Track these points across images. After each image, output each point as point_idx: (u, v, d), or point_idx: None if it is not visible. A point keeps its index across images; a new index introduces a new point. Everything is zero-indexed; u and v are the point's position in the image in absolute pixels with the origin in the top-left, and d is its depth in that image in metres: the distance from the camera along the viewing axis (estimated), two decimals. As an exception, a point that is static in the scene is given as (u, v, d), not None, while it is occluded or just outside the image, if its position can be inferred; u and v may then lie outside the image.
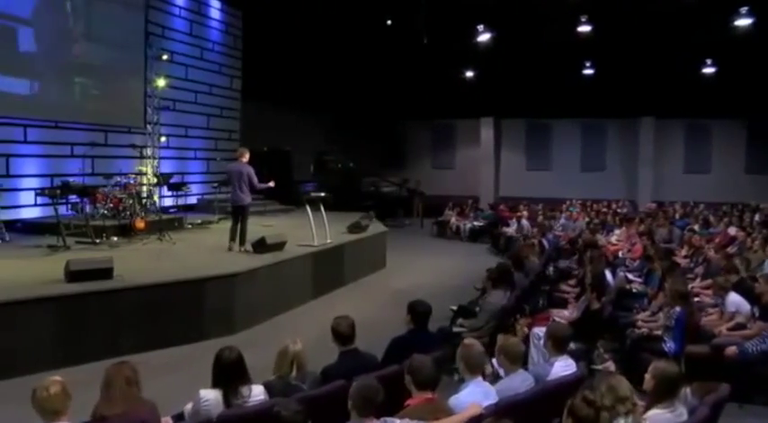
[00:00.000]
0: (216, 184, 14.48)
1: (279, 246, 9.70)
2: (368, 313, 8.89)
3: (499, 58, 18.99)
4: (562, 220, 16.76)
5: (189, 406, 3.83)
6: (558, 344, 4.49)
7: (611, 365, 6.26)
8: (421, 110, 23.95)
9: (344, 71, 20.56)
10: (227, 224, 10.78)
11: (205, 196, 15.76)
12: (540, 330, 5.98)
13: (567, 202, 19.64)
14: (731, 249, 10.84)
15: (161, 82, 14.16)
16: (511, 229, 16.50)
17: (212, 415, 3.57)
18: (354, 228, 12.33)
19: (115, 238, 10.36)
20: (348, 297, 10.37)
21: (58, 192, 10.02)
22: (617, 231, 14.34)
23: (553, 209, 18.86)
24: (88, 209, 10.88)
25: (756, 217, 15.82)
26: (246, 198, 9.90)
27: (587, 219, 16.70)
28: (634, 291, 8.69)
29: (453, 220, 19.34)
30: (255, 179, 9.83)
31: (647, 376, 3.65)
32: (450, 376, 4.99)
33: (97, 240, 10.01)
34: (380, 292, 10.70)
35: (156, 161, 14.18)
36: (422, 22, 16.14)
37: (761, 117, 20.80)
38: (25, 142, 11.48)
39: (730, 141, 22.46)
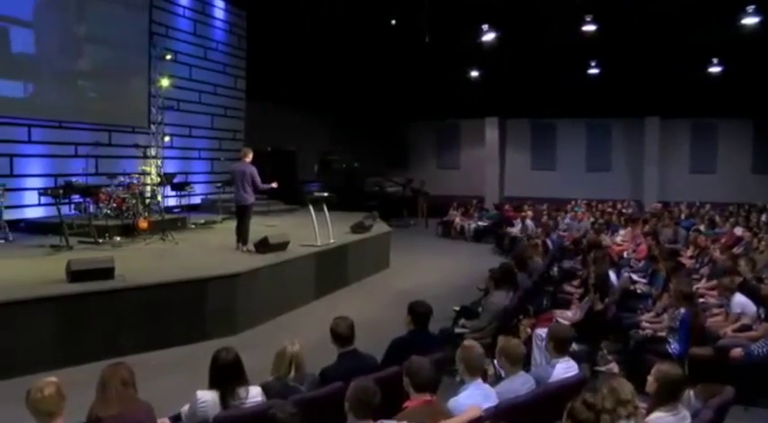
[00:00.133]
0: (220, 184, 14.48)
1: (282, 246, 9.68)
2: (371, 313, 8.88)
3: (504, 58, 18.91)
4: (567, 220, 16.67)
5: (186, 407, 3.80)
6: (559, 345, 4.44)
7: (614, 367, 6.20)
8: (425, 110, 23.89)
9: (349, 71, 20.53)
10: (231, 224, 10.83)
11: (209, 196, 15.77)
12: (543, 331, 5.91)
13: (572, 203, 19.56)
14: (737, 250, 10.75)
15: (165, 82, 14.15)
16: (515, 230, 16.44)
17: (209, 416, 3.55)
18: (358, 228, 12.30)
19: (118, 238, 10.36)
20: (351, 297, 10.34)
21: (61, 192, 10.03)
22: (622, 232, 14.25)
23: (558, 209, 18.77)
24: (92, 209, 10.88)
25: (763, 217, 15.67)
26: (249, 198, 9.92)
27: (592, 219, 16.62)
28: (638, 291, 8.62)
29: (458, 220, 19.30)
30: (258, 179, 9.85)
31: (650, 379, 3.60)
32: (452, 377, 4.94)
33: (100, 240, 10.02)
34: (384, 293, 10.65)
35: (159, 161, 14.18)
36: (424, 21, 16.09)
37: (768, 116, 20.68)
38: (29, 142, 11.52)
39: (737, 141, 22.28)
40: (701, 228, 13.70)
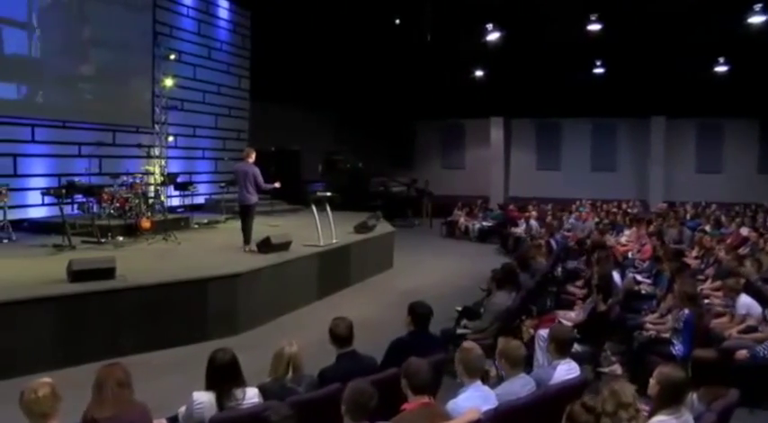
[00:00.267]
0: (223, 184, 14.47)
1: (284, 246, 9.65)
2: (373, 314, 8.86)
3: (509, 58, 18.86)
4: (571, 221, 16.60)
5: (183, 408, 3.76)
6: (561, 347, 4.38)
7: (617, 368, 6.16)
8: (430, 109, 23.87)
9: (353, 71, 20.50)
10: (234, 224, 10.86)
11: (213, 196, 15.77)
12: (545, 332, 5.84)
13: (577, 202, 19.48)
14: (743, 250, 10.67)
15: (169, 82, 14.16)
16: (520, 230, 16.37)
17: (205, 418, 3.52)
18: (361, 228, 12.26)
19: (121, 238, 10.36)
20: (354, 297, 10.31)
21: (64, 191, 10.03)
22: (627, 232, 14.18)
23: (563, 209, 18.70)
24: (95, 209, 10.89)
25: (770, 217, 15.60)
26: (252, 198, 9.92)
27: (597, 219, 16.54)
28: (643, 292, 8.56)
29: (462, 220, 19.23)
30: (261, 179, 9.84)
31: (652, 381, 3.54)
32: (454, 378, 4.90)
33: (102, 240, 10.02)
34: (387, 293, 10.60)
35: (163, 161, 14.18)
36: (426, 20, 16.04)
37: (774, 116, 20.57)
38: (33, 142, 11.52)
39: (743, 141, 22.17)
40: (707, 228, 13.61)
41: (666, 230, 13.25)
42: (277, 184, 10.37)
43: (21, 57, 11.22)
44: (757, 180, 21.64)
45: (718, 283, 8.06)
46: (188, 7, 15.58)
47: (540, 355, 5.94)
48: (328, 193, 11.52)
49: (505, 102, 23.14)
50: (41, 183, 11.40)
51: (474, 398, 3.63)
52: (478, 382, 3.78)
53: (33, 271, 7.59)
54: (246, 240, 9.85)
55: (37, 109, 11.57)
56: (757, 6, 13.51)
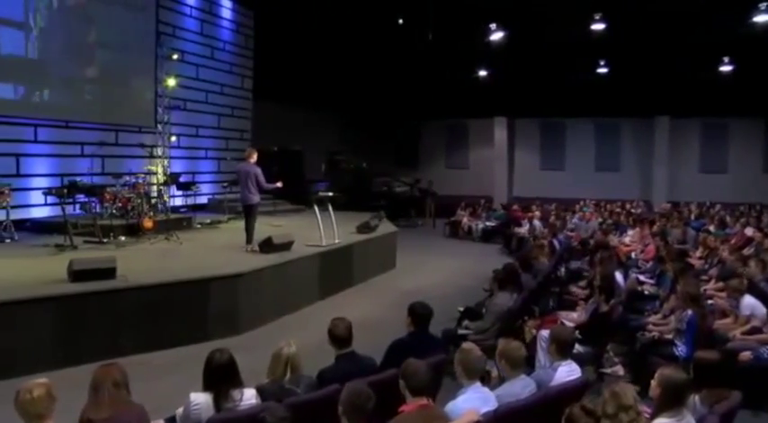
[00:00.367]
0: (226, 184, 14.47)
1: (286, 246, 9.63)
2: (375, 314, 8.85)
3: (512, 57, 18.81)
4: (574, 221, 16.54)
5: (181, 409, 3.73)
6: (561, 348, 4.35)
7: (619, 369, 6.12)
8: (434, 109, 23.85)
9: (357, 71, 20.49)
10: (237, 224, 10.87)
11: (216, 196, 15.76)
12: (547, 333, 5.82)
13: (581, 202, 19.42)
14: (748, 251, 10.61)
15: (171, 82, 14.15)
16: (523, 230, 16.32)
17: (202, 419, 3.49)
18: (363, 228, 12.23)
19: (123, 238, 10.35)
20: (356, 298, 10.30)
21: (66, 191, 10.02)
22: (630, 232, 14.12)
23: (566, 209, 18.64)
24: (97, 208, 10.89)
25: (774, 217, 15.51)
26: (254, 198, 9.95)
27: (600, 219, 16.47)
28: (646, 293, 8.51)
29: (465, 220, 19.20)
30: (263, 179, 9.88)
31: (653, 383, 3.51)
32: (455, 379, 4.87)
33: (105, 240, 10.02)
34: (389, 293, 10.57)
35: (166, 161, 14.18)
36: (429, 19, 16.00)
37: (780, 115, 20.47)
38: (35, 142, 11.51)
39: (748, 140, 22.08)
40: (711, 228, 13.55)
41: (670, 231, 13.18)
42: (279, 184, 10.38)
43: (23, 57, 11.21)
44: (762, 180, 21.54)
45: (721, 284, 8.01)
46: (191, 7, 15.57)
47: (541, 356, 5.90)
48: (330, 193, 11.51)
49: (509, 102, 23.11)
50: (44, 183, 11.38)
51: (473, 399, 3.60)
52: (478, 384, 3.75)
53: (34, 271, 7.57)
54: (248, 240, 9.85)
55: (40, 109, 11.57)
56: (762, 5, 13.39)
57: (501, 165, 24.87)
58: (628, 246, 12.64)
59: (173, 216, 12.50)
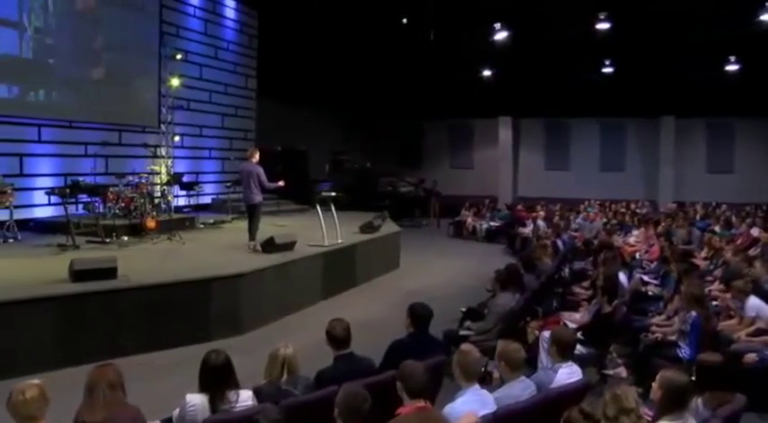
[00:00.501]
0: (229, 184, 14.46)
1: (288, 246, 9.62)
2: (378, 314, 8.82)
3: (517, 57, 18.76)
4: (578, 221, 16.46)
5: (177, 411, 3.71)
6: (562, 350, 4.30)
7: (622, 371, 6.07)
8: (439, 109, 23.80)
9: (361, 70, 20.47)
10: (240, 224, 10.86)
11: (219, 196, 15.76)
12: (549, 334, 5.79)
13: (585, 203, 19.33)
14: (754, 251, 10.51)
15: (175, 81, 14.15)
16: (527, 230, 16.25)
17: (198, 420, 3.47)
18: (367, 228, 12.20)
19: (125, 238, 10.35)
20: (359, 298, 10.26)
21: (68, 191, 10.02)
22: (635, 232, 14.03)
23: (571, 209, 18.56)
24: (100, 208, 10.89)
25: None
26: (257, 197, 9.99)
27: (604, 219, 16.39)
28: (650, 294, 8.44)
29: (470, 220, 19.15)
30: (265, 178, 9.92)
31: (655, 386, 3.45)
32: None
33: (107, 240, 10.01)
34: (392, 293, 10.53)
35: (170, 161, 14.18)
36: (429, 18, 15.96)
37: (787, 114, 20.32)
38: (39, 142, 11.53)
39: (754, 140, 21.94)
40: (717, 228, 13.45)
41: (675, 231, 13.10)
42: (281, 183, 10.38)
43: (26, 58, 11.22)
44: (769, 180, 21.41)
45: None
46: (195, 7, 15.57)
47: (544, 357, 5.85)
48: (333, 193, 11.47)
49: (514, 101, 23.06)
50: (48, 183, 11.39)
51: (471, 402, 3.55)
52: (476, 386, 3.70)
53: (35, 271, 7.57)
54: (252, 237, 9.87)
55: (43, 109, 11.58)
56: (768, 3, 13.34)
57: (505, 165, 24.80)
58: (632, 246, 12.56)
59: (175, 216, 12.48)
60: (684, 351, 5.75)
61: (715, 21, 14.94)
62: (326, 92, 20.09)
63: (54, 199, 10.71)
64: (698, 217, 16.77)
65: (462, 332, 6.57)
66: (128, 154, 13.22)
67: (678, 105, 21.13)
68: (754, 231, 12.51)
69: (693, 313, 5.84)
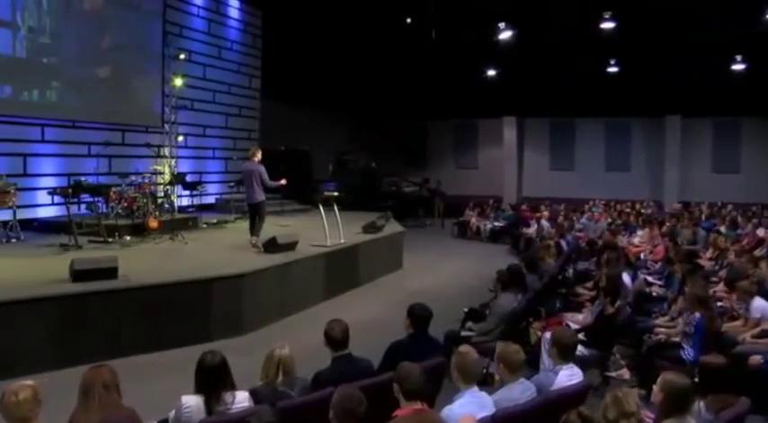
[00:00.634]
0: (233, 184, 14.45)
1: (290, 246, 9.59)
2: (380, 315, 8.78)
3: (521, 57, 18.68)
4: (583, 221, 16.38)
5: (173, 412, 3.67)
6: (563, 351, 4.25)
7: (625, 373, 6.01)
8: (443, 109, 23.77)
9: (365, 70, 20.43)
10: (243, 224, 10.85)
11: (223, 196, 15.75)
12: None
13: (590, 203, 19.25)
14: (760, 252, 10.43)
15: (178, 81, 14.15)
16: (531, 230, 16.18)
17: (193, 422, 3.43)
18: (369, 228, 12.16)
19: (128, 238, 10.34)
20: (361, 298, 10.23)
21: (70, 191, 10.02)
22: (640, 232, 13.95)
23: (575, 209, 18.48)
24: (103, 208, 10.89)
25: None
26: (259, 196, 10.02)
27: (609, 219, 16.31)
28: (654, 294, 8.38)
29: (474, 220, 19.09)
30: (267, 177, 9.96)
31: (656, 389, 3.41)
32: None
33: (110, 240, 10.00)
34: (395, 294, 10.48)
35: (173, 161, 14.18)
36: (431, 16, 15.92)
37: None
38: (42, 141, 11.52)
39: (761, 139, 21.76)
40: (722, 229, 13.36)
41: (680, 231, 13.02)
42: (283, 181, 10.38)
43: (29, 58, 11.22)
44: (776, 180, 21.25)
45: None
46: (198, 7, 15.57)
47: (546, 359, 5.80)
48: (335, 193, 11.45)
49: (519, 101, 23.00)
50: (51, 182, 11.38)
51: (469, 404, 3.51)
52: (475, 388, 3.66)
53: (36, 270, 7.55)
54: (256, 233, 9.92)
55: (47, 109, 11.58)
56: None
57: (510, 165, 24.74)
58: (637, 246, 12.49)
59: (178, 216, 12.48)
60: (688, 352, 5.69)
61: (721, 20, 14.85)
62: (331, 92, 20.06)
63: (57, 199, 10.72)
64: (703, 217, 16.67)
65: (464, 333, 6.53)
66: (131, 154, 13.21)
67: (684, 105, 21.00)
68: (760, 232, 12.43)
69: (697, 314, 5.79)
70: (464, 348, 3.84)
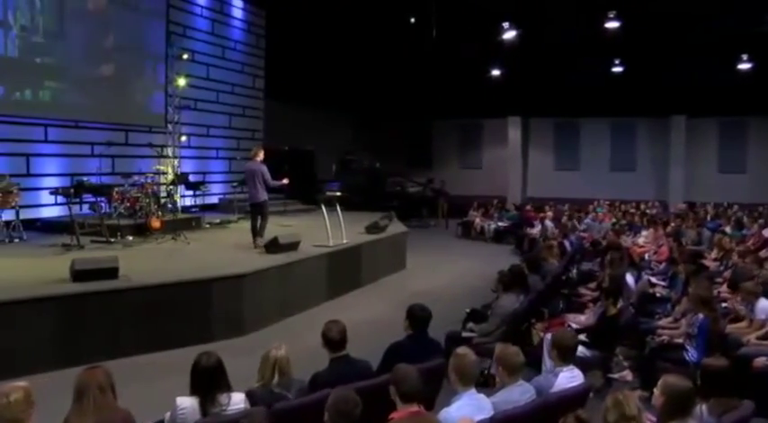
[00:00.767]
0: (236, 184, 14.45)
1: (292, 246, 9.57)
2: (383, 315, 8.74)
3: (526, 57, 18.62)
4: (587, 221, 16.30)
5: (168, 414, 3.64)
6: (563, 353, 4.20)
7: (627, 374, 5.95)
8: (447, 109, 23.71)
9: (369, 70, 20.41)
10: (246, 224, 10.82)
11: (226, 196, 15.75)
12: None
13: (595, 203, 19.16)
14: (765, 252, 10.35)
15: (182, 81, 14.15)
16: (535, 231, 16.12)
17: (188, 424, 3.40)
18: (372, 228, 12.12)
19: (130, 238, 10.34)
20: (364, 298, 10.21)
21: (72, 191, 10.02)
22: (644, 233, 13.87)
23: (580, 210, 18.40)
24: (107, 208, 10.89)
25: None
26: (261, 196, 9.99)
27: (614, 220, 16.22)
28: (658, 295, 8.31)
29: (478, 220, 19.03)
30: (269, 177, 9.95)
31: (656, 392, 3.35)
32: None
33: (112, 240, 10.00)
34: (398, 294, 10.43)
35: (176, 160, 14.17)
36: (432, 16, 15.88)
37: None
38: (46, 142, 11.54)
39: (767, 139, 21.63)
40: (727, 229, 13.26)
41: (685, 231, 12.94)
42: (285, 181, 10.37)
43: (31, 58, 11.22)
44: (783, 180, 21.11)
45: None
46: (202, 7, 15.57)
47: (548, 360, 5.75)
48: (338, 193, 11.42)
49: (523, 101, 22.93)
50: (54, 182, 11.37)
51: (467, 407, 3.47)
52: (473, 390, 3.61)
53: (38, 270, 7.55)
54: (261, 234, 9.90)
55: (50, 109, 11.59)
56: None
57: (515, 165, 24.65)
58: (641, 247, 12.42)
59: (181, 216, 12.50)
60: (691, 354, 5.63)
61: (726, 19, 14.75)
62: (335, 92, 20.04)
63: (60, 199, 10.73)
64: (708, 217, 16.57)
65: (465, 334, 6.48)
66: (134, 154, 13.23)
67: (689, 104, 20.89)
68: (766, 232, 12.32)
69: (701, 316, 5.73)
70: (462, 350, 3.79)
